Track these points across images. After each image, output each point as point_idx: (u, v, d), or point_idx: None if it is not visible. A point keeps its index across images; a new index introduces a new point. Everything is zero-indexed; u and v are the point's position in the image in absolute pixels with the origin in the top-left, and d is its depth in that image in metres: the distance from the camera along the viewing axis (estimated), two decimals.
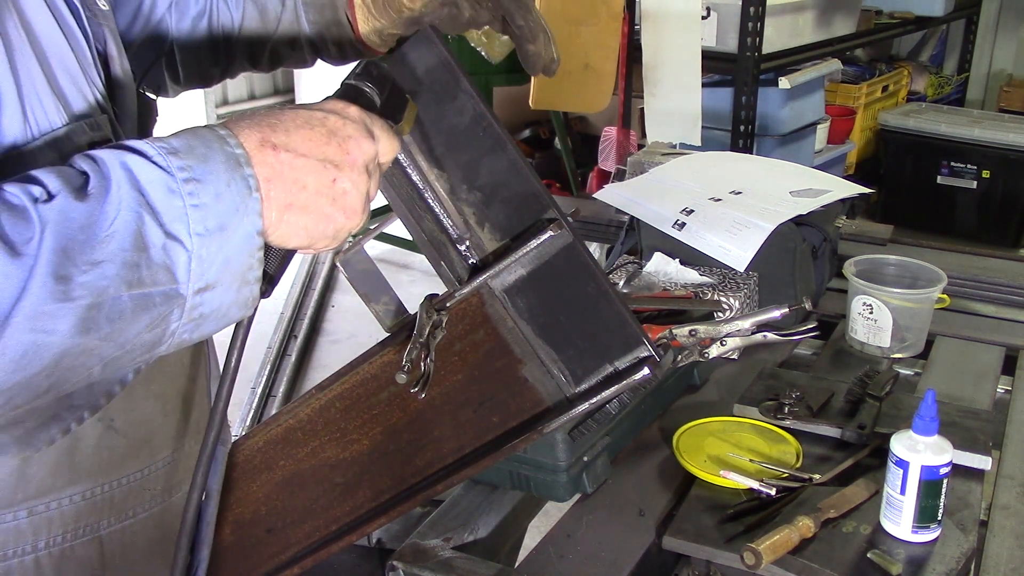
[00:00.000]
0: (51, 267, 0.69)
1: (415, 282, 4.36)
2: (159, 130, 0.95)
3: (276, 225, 0.80)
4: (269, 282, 0.85)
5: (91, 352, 0.73)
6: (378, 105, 0.92)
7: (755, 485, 1.31)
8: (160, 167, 0.74)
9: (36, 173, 0.72)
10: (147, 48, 1.15)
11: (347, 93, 0.92)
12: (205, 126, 0.79)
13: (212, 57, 1.22)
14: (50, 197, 0.71)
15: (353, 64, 1.00)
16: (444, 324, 1.06)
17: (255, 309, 0.83)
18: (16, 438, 0.82)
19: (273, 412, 3.20)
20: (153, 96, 1.16)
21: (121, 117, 0.96)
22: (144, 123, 1.05)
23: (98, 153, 0.75)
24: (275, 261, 0.86)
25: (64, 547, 0.93)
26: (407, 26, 1.18)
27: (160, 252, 0.74)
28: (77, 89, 0.88)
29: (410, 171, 1.09)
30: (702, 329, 1.46)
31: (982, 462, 1.41)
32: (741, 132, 3.67)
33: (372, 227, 1.26)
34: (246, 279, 0.79)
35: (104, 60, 0.95)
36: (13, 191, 0.70)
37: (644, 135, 3.55)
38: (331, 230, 0.83)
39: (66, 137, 0.84)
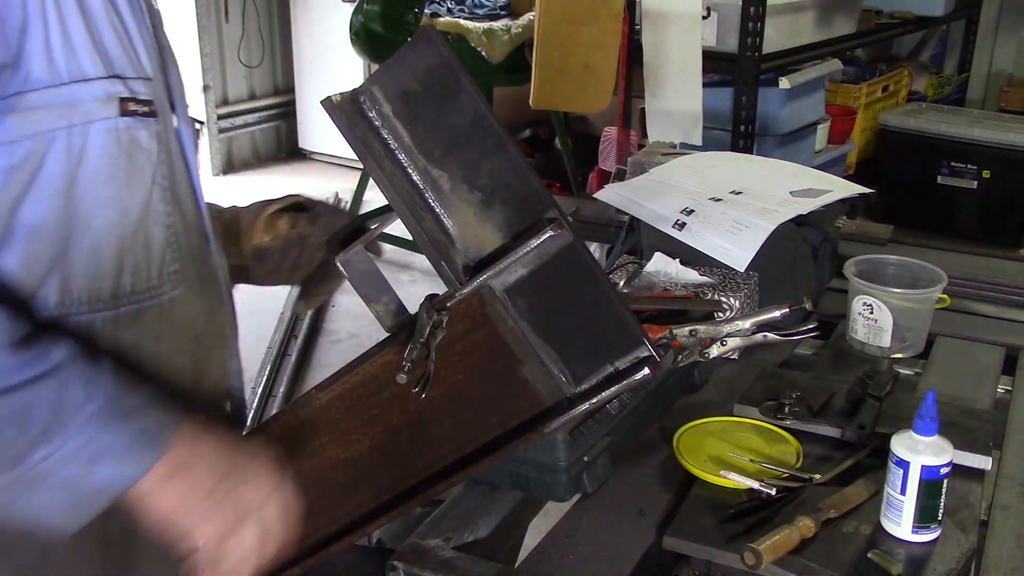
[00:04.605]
0: None
1: (415, 282, 4.36)
2: None
3: (160, 488, 0.89)
4: None
5: None
6: None
7: (755, 485, 1.31)
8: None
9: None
10: None
11: None
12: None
13: None
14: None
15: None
16: (444, 324, 1.06)
17: (74, 529, 0.89)
18: None
19: (273, 412, 3.20)
20: None
21: (172, 88, 1.02)
22: None
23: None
24: None
25: None
26: (255, 264, 1.26)
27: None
28: (123, 51, 0.94)
29: (410, 171, 1.09)
30: (702, 329, 1.46)
31: (982, 462, 1.41)
32: (741, 132, 3.67)
33: (372, 227, 1.26)
34: (75, 508, 0.87)
35: (156, 38, 1.02)
36: None
37: (644, 135, 3.55)
38: (210, 513, 0.92)
39: (99, 86, 0.92)
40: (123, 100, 0.94)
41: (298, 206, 1.30)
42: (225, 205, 1.29)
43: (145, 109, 0.96)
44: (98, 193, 0.93)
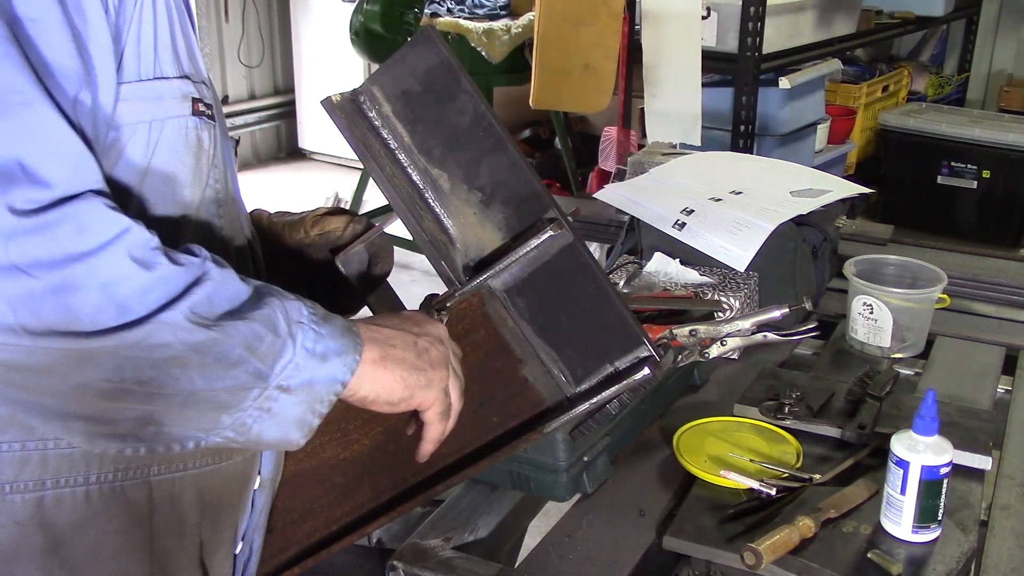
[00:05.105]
0: (197, 302, 0.83)
1: (415, 282, 4.36)
2: None
3: (376, 378, 0.94)
4: None
5: (189, 373, 0.84)
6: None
7: (755, 485, 1.31)
8: (298, 298, 0.91)
9: (211, 253, 0.88)
10: None
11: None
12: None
13: None
14: (219, 264, 0.87)
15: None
16: (445, 324, 1.06)
17: (306, 441, 0.93)
18: (85, 433, 0.87)
19: None
20: None
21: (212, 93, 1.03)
22: None
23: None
24: None
25: (115, 485, 0.96)
26: (288, 257, 1.28)
27: (277, 341, 0.87)
28: (188, 56, 0.97)
29: (411, 171, 1.09)
30: (702, 329, 1.46)
31: (982, 462, 1.41)
32: (741, 132, 3.67)
33: (372, 227, 1.26)
34: (313, 408, 0.91)
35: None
36: (193, 247, 0.87)
37: (644, 135, 3.55)
38: (423, 379, 0.97)
39: (176, 86, 0.95)
40: (195, 100, 0.96)
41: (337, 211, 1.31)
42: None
43: (208, 112, 0.98)
44: (163, 187, 0.95)
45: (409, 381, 0.97)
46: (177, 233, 0.97)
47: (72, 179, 0.81)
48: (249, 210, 1.29)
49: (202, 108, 0.97)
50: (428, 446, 1.04)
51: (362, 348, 0.93)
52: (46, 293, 0.78)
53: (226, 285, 0.86)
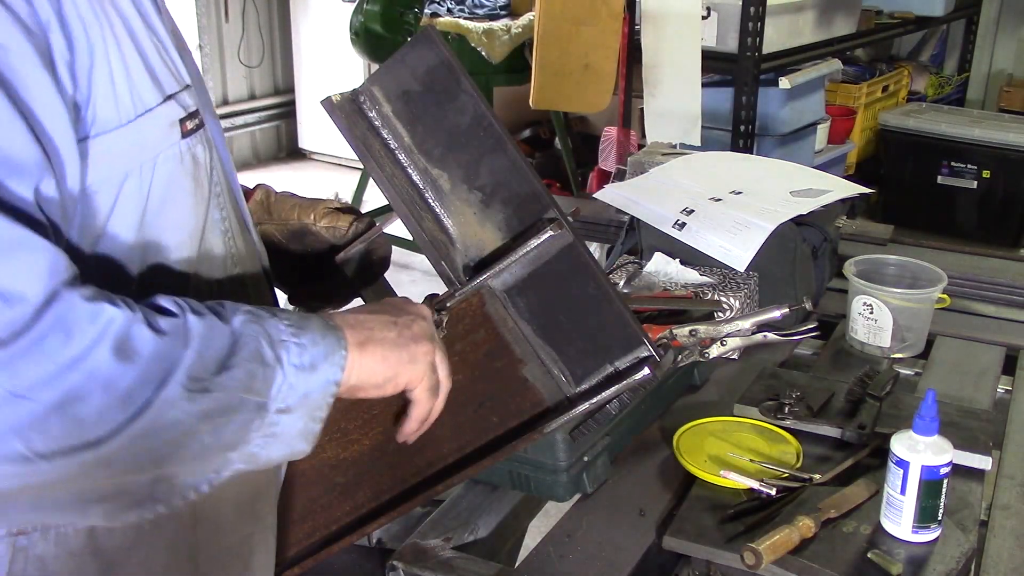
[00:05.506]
0: (191, 366, 0.81)
1: (415, 282, 4.36)
2: None
3: (359, 364, 0.93)
4: None
5: (199, 438, 0.84)
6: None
7: (755, 485, 1.31)
8: (272, 314, 0.89)
9: (185, 300, 0.85)
10: None
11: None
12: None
13: None
14: (196, 313, 0.84)
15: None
16: (444, 324, 1.06)
17: (312, 446, 0.93)
18: (104, 514, 0.87)
19: None
20: None
21: (196, 87, 0.99)
22: None
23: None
24: None
25: None
26: (289, 236, 1.28)
27: (268, 370, 0.86)
28: (165, 65, 0.93)
29: (410, 171, 1.09)
30: (702, 329, 1.46)
31: (982, 462, 1.41)
32: (741, 132, 3.67)
33: (373, 227, 1.27)
34: (313, 417, 0.90)
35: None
36: (167, 303, 0.84)
37: (644, 135, 3.55)
38: (406, 355, 0.96)
39: (162, 114, 0.90)
40: (182, 121, 0.93)
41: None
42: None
43: (196, 122, 0.95)
44: (166, 219, 0.92)
45: (391, 359, 0.95)
46: (188, 256, 0.96)
47: (45, 282, 0.76)
48: (253, 186, 1.29)
49: (190, 126, 0.94)
50: (412, 424, 1.02)
51: (345, 341, 0.92)
52: (50, 411, 0.75)
53: (211, 336, 0.84)
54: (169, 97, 0.92)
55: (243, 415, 0.85)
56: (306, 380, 0.88)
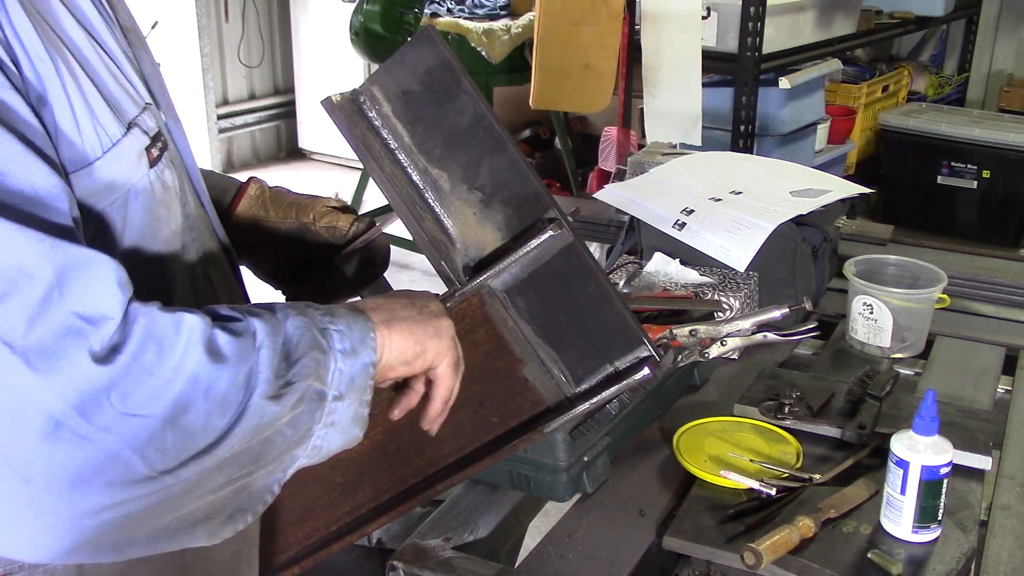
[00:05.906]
0: (269, 364, 0.82)
1: (415, 282, 4.36)
2: None
3: (388, 342, 0.94)
4: None
5: (284, 432, 0.85)
6: None
7: (755, 485, 1.31)
8: (306, 306, 0.90)
9: (236, 310, 0.85)
10: None
11: None
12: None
13: None
14: (252, 314, 0.85)
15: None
16: None
17: (364, 431, 0.94)
18: (208, 531, 0.87)
19: None
20: None
21: (161, 104, 0.98)
22: None
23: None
24: None
25: None
26: (287, 235, 1.27)
27: (324, 357, 0.87)
28: (122, 89, 0.90)
29: (410, 171, 1.09)
30: (702, 329, 1.46)
31: (982, 462, 1.41)
32: (741, 132, 3.67)
33: (373, 227, 1.26)
34: (362, 401, 0.91)
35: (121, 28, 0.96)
36: (222, 309, 0.85)
37: (644, 135, 3.55)
38: (431, 329, 0.97)
39: (128, 146, 0.88)
40: (147, 150, 0.90)
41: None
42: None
43: (160, 145, 0.92)
44: (142, 249, 0.91)
45: (418, 333, 0.96)
46: (165, 280, 0.95)
47: (119, 297, 0.76)
48: (244, 179, 1.28)
49: (155, 152, 0.91)
50: (437, 404, 1.01)
51: (372, 323, 0.93)
52: (164, 425, 0.75)
53: (275, 333, 0.84)
54: (132, 125, 0.89)
55: (310, 405, 0.86)
56: (351, 365, 0.89)
